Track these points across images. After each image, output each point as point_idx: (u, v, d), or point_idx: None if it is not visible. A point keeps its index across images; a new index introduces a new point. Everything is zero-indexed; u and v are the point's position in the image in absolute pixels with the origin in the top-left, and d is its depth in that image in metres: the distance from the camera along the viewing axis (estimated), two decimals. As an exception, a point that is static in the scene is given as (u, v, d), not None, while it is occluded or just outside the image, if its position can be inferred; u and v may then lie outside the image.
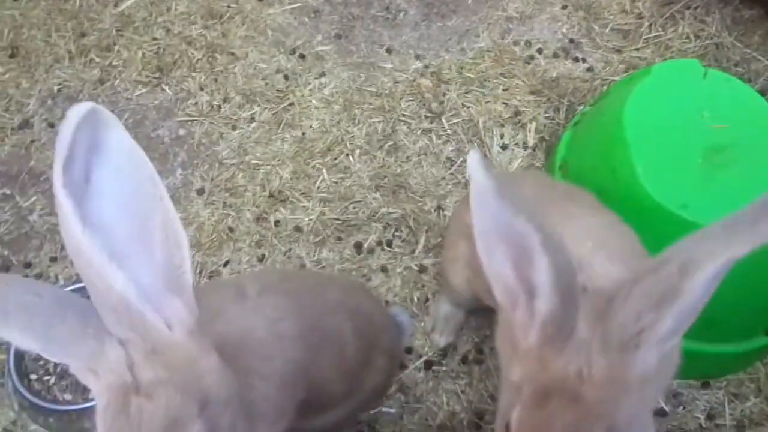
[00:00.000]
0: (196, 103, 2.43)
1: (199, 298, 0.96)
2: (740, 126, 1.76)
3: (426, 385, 1.96)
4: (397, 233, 2.19)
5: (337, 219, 2.20)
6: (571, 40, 2.59)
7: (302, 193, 2.24)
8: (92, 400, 0.95)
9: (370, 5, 2.68)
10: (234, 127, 2.38)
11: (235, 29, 2.58)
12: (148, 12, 2.60)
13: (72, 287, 1.88)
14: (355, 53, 2.56)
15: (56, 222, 2.17)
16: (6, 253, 2.12)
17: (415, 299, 2.08)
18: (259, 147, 2.34)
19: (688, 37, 2.56)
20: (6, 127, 2.36)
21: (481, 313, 1.96)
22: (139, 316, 0.89)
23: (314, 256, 2.14)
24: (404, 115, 2.40)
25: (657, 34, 2.58)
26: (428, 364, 1.98)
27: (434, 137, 2.36)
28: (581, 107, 2.38)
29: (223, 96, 2.44)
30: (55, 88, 2.43)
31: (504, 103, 2.43)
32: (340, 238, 2.18)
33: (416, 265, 2.13)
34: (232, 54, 2.52)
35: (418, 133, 2.37)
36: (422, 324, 2.03)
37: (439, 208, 2.23)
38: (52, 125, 2.36)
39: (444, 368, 1.98)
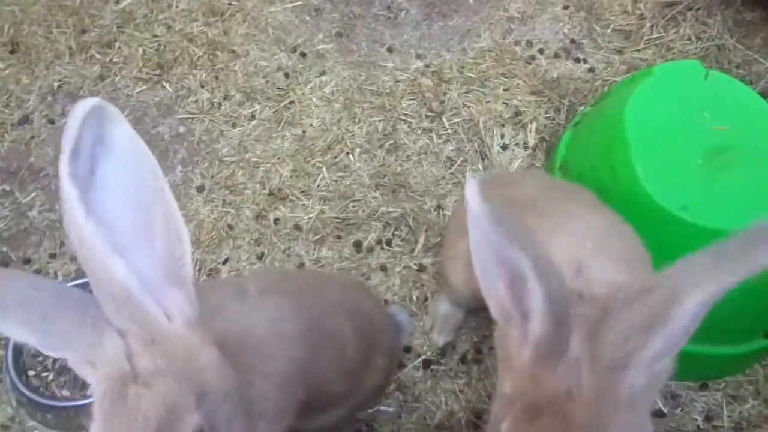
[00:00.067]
0: (197, 101, 2.42)
1: (198, 295, 0.97)
2: (741, 128, 1.76)
3: (424, 384, 1.96)
4: (396, 232, 2.19)
5: (337, 217, 2.20)
6: (573, 41, 2.59)
7: (302, 192, 2.24)
8: (90, 396, 0.95)
9: (371, 4, 2.67)
10: (234, 125, 2.38)
11: (236, 27, 2.57)
12: (149, 9, 2.60)
13: (71, 284, 1.88)
14: (356, 52, 2.56)
15: (55, 218, 2.18)
16: (5, 249, 2.12)
17: (414, 298, 2.07)
18: (259, 145, 2.33)
19: (689, 39, 2.56)
20: (6, 122, 2.35)
21: (480, 313, 1.96)
22: (140, 307, 0.90)
23: (313, 254, 2.14)
24: (405, 114, 2.40)
25: (658, 35, 2.57)
26: (427, 364, 1.98)
27: (434, 137, 2.36)
28: (582, 108, 2.38)
29: (224, 93, 2.44)
30: (56, 84, 2.43)
31: (505, 103, 2.42)
32: (339, 237, 2.18)
33: (415, 264, 2.13)
34: (233, 51, 2.52)
35: (419, 132, 2.37)
36: (421, 323, 2.03)
37: (438, 207, 2.22)
38: (52, 121, 2.36)
39: (443, 367, 1.98)
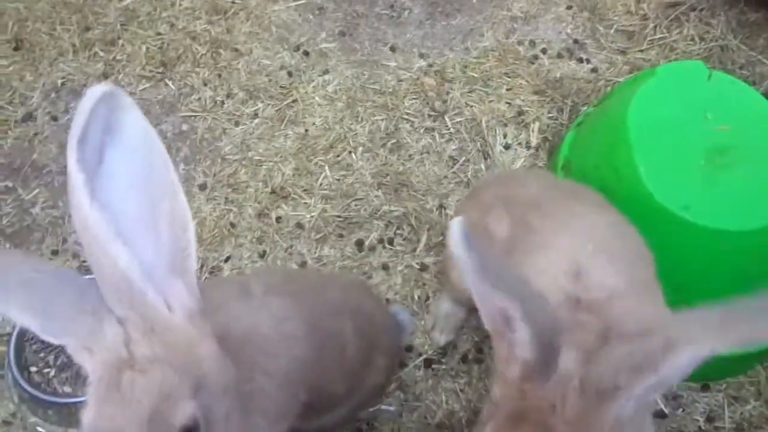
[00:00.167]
0: (200, 99, 2.43)
1: (202, 291, 0.97)
2: (744, 128, 1.76)
3: (425, 383, 1.96)
4: (398, 231, 2.19)
5: (339, 216, 2.20)
6: (576, 41, 2.59)
7: (304, 190, 2.24)
8: (92, 392, 0.95)
9: (374, 3, 2.67)
10: (237, 123, 2.38)
11: (239, 25, 2.58)
12: (152, 7, 2.60)
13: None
14: (358, 51, 2.56)
15: (58, 215, 2.18)
16: (8, 245, 2.12)
17: (416, 297, 2.08)
18: (261, 143, 2.34)
19: (693, 39, 2.55)
20: (9, 119, 2.36)
21: (481, 312, 1.96)
22: (140, 295, 0.89)
23: (315, 253, 2.14)
24: (407, 114, 2.40)
25: (662, 35, 2.57)
26: (428, 363, 1.98)
27: (437, 136, 2.36)
28: (585, 108, 2.38)
29: (227, 92, 2.44)
30: (59, 81, 2.43)
31: (507, 102, 2.42)
32: (341, 236, 2.18)
33: (417, 263, 2.13)
34: (236, 50, 2.52)
35: (421, 131, 2.37)
36: (422, 322, 2.03)
37: (440, 206, 2.22)
38: (55, 118, 2.36)
39: (444, 367, 1.98)
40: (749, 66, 2.52)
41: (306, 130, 2.36)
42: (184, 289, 0.94)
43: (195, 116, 2.40)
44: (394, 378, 1.91)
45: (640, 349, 0.95)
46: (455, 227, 0.90)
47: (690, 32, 2.57)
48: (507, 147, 2.34)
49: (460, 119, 2.39)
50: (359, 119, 2.38)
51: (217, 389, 0.96)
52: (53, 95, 2.41)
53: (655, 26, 2.59)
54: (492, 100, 2.42)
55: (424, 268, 2.12)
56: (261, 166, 2.29)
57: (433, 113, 2.40)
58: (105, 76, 2.45)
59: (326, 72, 2.49)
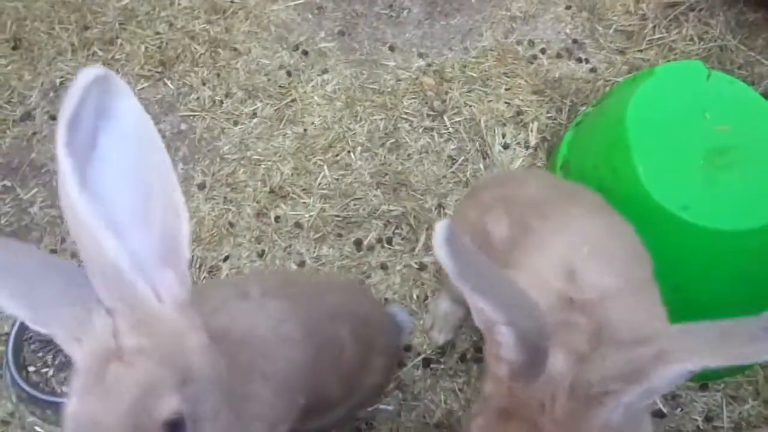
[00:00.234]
0: (198, 98, 2.42)
1: (199, 293, 0.95)
2: (743, 128, 1.76)
3: (424, 382, 1.96)
4: (397, 231, 2.19)
5: (338, 216, 2.20)
6: (575, 41, 2.59)
7: (303, 190, 2.24)
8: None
9: (373, 3, 2.67)
10: (236, 123, 2.38)
11: (238, 24, 2.58)
12: (151, 6, 2.60)
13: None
14: (357, 50, 2.56)
15: (56, 214, 2.18)
16: (6, 244, 2.12)
17: (415, 297, 2.08)
18: (260, 143, 2.34)
19: (691, 39, 2.55)
20: (8, 119, 2.36)
21: (480, 312, 1.96)
22: (130, 286, 0.87)
23: (314, 252, 2.14)
24: (406, 113, 2.40)
25: (661, 35, 2.57)
26: (427, 362, 1.98)
27: (436, 135, 2.36)
28: (583, 108, 2.38)
29: (226, 91, 2.44)
30: (58, 80, 2.43)
31: (506, 102, 2.42)
32: (340, 235, 2.18)
33: (416, 262, 2.13)
34: (235, 49, 2.52)
35: (420, 131, 2.37)
36: (421, 322, 2.03)
37: (439, 206, 2.22)
38: (53, 118, 2.36)
39: (442, 366, 1.98)
40: (748, 66, 2.52)
41: (305, 130, 2.36)
42: (175, 280, 0.92)
43: (194, 116, 2.40)
44: (393, 377, 1.91)
45: (632, 357, 0.95)
46: (439, 229, 0.90)
47: (689, 32, 2.57)
48: (506, 147, 2.34)
49: (459, 119, 2.39)
50: (358, 119, 2.38)
51: (206, 383, 0.94)
52: (52, 94, 2.41)
53: (654, 26, 2.59)
54: (491, 100, 2.43)
55: (422, 267, 2.12)
56: (260, 165, 2.29)
57: (431, 113, 2.40)
58: (104, 75, 2.45)
59: (325, 71, 2.49)
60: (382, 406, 1.91)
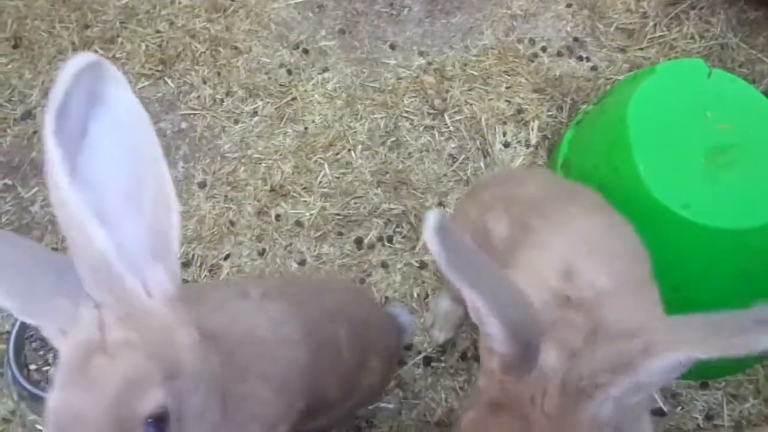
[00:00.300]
0: (199, 97, 2.42)
1: (198, 292, 0.95)
2: (744, 126, 1.75)
3: (425, 381, 1.96)
4: (397, 229, 2.19)
5: (338, 214, 2.20)
6: (576, 39, 2.58)
7: (303, 188, 2.24)
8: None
9: (374, 1, 2.67)
10: (236, 121, 2.38)
11: (238, 23, 2.57)
12: (151, 5, 2.60)
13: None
14: (358, 49, 2.56)
15: (57, 213, 2.18)
16: (7, 243, 2.12)
17: (415, 295, 2.08)
18: (261, 141, 2.34)
19: (692, 38, 2.55)
20: (8, 117, 2.36)
21: (480, 311, 1.96)
22: (118, 278, 0.86)
23: (315, 250, 2.14)
24: (407, 112, 2.40)
25: (662, 33, 2.57)
26: (427, 361, 1.99)
27: (437, 134, 2.36)
28: (584, 106, 2.37)
29: (226, 90, 2.44)
30: (58, 79, 2.43)
31: (507, 100, 2.42)
32: (340, 234, 2.18)
33: (417, 261, 2.13)
34: (236, 48, 2.52)
35: (421, 129, 2.37)
36: (422, 320, 2.03)
37: (440, 204, 2.22)
38: (54, 116, 2.36)
39: (443, 365, 1.98)
40: (749, 64, 2.51)
41: (305, 128, 2.36)
42: (165, 274, 0.90)
43: (194, 114, 2.40)
44: (394, 376, 1.91)
45: (621, 349, 0.95)
46: (431, 218, 0.90)
47: (690, 30, 2.56)
48: (506, 145, 2.34)
49: (460, 117, 2.39)
50: (359, 117, 2.38)
51: (194, 380, 0.92)
52: (52, 93, 2.41)
53: (655, 24, 2.59)
54: (491, 98, 2.42)
55: (423, 266, 2.12)
56: (260, 164, 2.29)
57: (432, 111, 2.40)
58: (104, 73, 2.45)
59: (326, 70, 2.49)
60: (382, 405, 1.91)
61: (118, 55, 2.48)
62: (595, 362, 0.97)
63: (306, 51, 2.53)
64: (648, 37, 2.56)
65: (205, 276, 2.10)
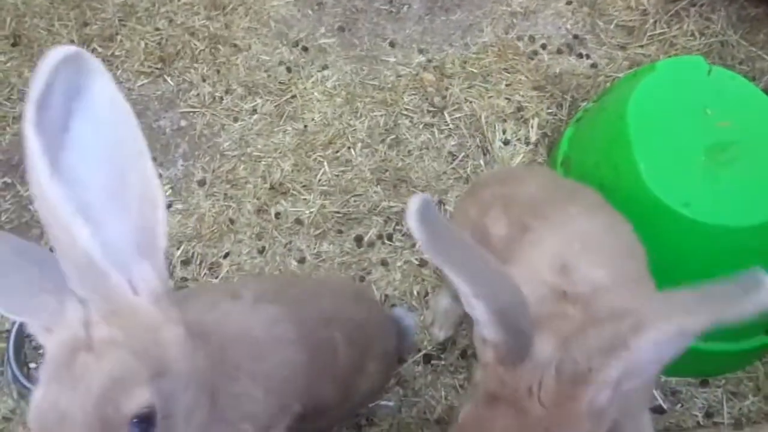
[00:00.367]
0: (198, 95, 2.42)
1: (191, 293, 0.93)
2: (744, 124, 1.75)
3: (425, 378, 1.96)
4: (397, 227, 2.19)
5: (338, 212, 2.20)
6: (576, 36, 2.58)
7: (303, 186, 2.24)
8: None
9: (373, -2, 2.67)
10: (236, 119, 2.37)
11: (238, 20, 2.57)
12: (150, 2, 2.60)
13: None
14: (358, 46, 2.55)
15: (57, 211, 2.18)
16: (6, 241, 2.12)
17: (415, 293, 2.08)
18: (260, 139, 2.33)
19: (693, 35, 2.55)
20: (8, 116, 2.35)
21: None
22: (103, 276, 0.84)
23: (314, 248, 2.14)
24: (406, 109, 2.39)
25: (662, 31, 2.56)
26: (427, 358, 1.99)
27: (436, 131, 2.36)
28: (584, 103, 2.37)
29: (226, 87, 2.43)
30: (57, 77, 2.42)
31: (507, 98, 2.42)
32: (340, 231, 2.18)
33: (416, 259, 2.13)
34: (235, 45, 2.51)
35: (420, 127, 2.37)
36: (422, 318, 2.03)
37: (440, 202, 2.22)
38: (53, 114, 2.36)
39: (443, 362, 1.98)
40: (749, 61, 2.51)
41: (305, 126, 2.36)
42: (152, 271, 0.88)
43: (194, 112, 2.40)
44: (394, 374, 1.91)
45: (611, 331, 0.95)
46: (414, 201, 0.90)
47: (690, 27, 2.56)
48: (506, 143, 2.34)
49: (460, 115, 2.39)
50: (358, 115, 2.38)
51: (182, 379, 0.90)
52: (51, 91, 2.40)
53: (655, 21, 2.58)
54: (491, 96, 2.42)
55: (423, 263, 2.12)
56: (260, 162, 2.29)
57: (432, 109, 2.40)
58: (103, 71, 2.44)
59: (325, 67, 2.48)
60: (382, 402, 1.91)
61: (117, 53, 2.48)
62: (588, 345, 0.97)
63: (305, 48, 2.52)
64: (648, 34, 2.56)
65: (205, 274, 2.10)
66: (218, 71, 2.46)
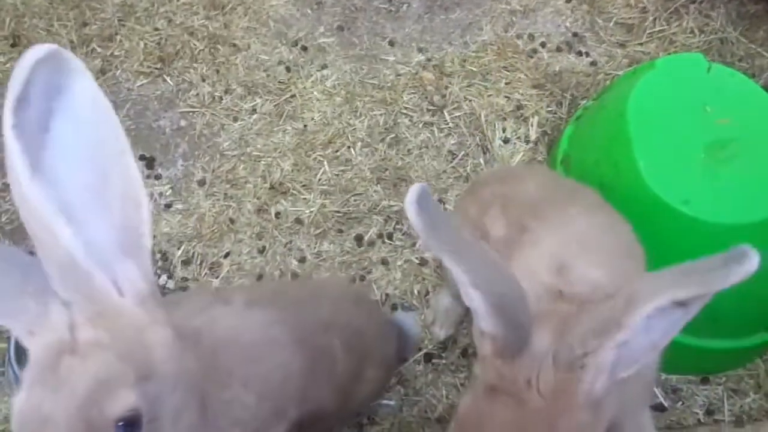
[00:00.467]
0: (198, 94, 2.42)
1: (179, 298, 0.91)
2: (744, 121, 1.75)
3: (426, 377, 1.96)
4: (398, 226, 2.19)
5: (338, 211, 2.20)
6: (575, 34, 2.58)
7: (303, 185, 2.24)
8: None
9: (373, -3, 2.67)
10: (235, 119, 2.37)
11: (237, 20, 2.57)
12: (150, 2, 2.60)
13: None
14: (357, 45, 2.55)
15: (57, 212, 2.18)
16: (8, 242, 2.12)
17: (416, 292, 2.08)
18: (260, 139, 2.33)
19: (692, 32, 2.54)
20: (7, 116, 2.35)
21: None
22: (86, 277, 0.83)
23: (315, 248, 2.14)
24: (406, 108, 2.39)
25: (661, 28, 2.56)
26: (428, 357, 1.99)
27: (436, 130, 2.36)
28: (584, 101, 2.37)
29: (225, 87, 2.43)
30: (57, 77, 2.42)
31: (506, 96, 2.42)
32: (340, 231, 2.18)
33: (417, 258, 2.13)
34: (234, 45, 2.51)
35: (420, 126, 2.37)
36: (422, 317, 2.03)
37: (440, 201, 2.22)
38: (53, 115, 2.36)
39: (444, 361, 1.99)
40: (749, 58, 2.51)
41: (304, 126, 2.36)
42: (137, 271, 0.87)
43: (193, 112, 2.39)
44: (395, 373, 1.91)
45: (603, 311, 0.96)
46: (412, 190, 0.91)
47: (689, 25, 2.56)
48: (506, 141, 2.34)
49: (459, 113, 2.39)
50: (358, 114, 2.38)
51: (168, 381, 0.88)
52: (51, 92, 2.40)
53: (655, 19, 2.58)
54: (491, 94, 2.42)
55: (423, 262, 2.12)
56: (260, 161, 2.29)
57: (431, 108, 2.40)
58: (103, 72, 2.45)
59: (324, 67, 2.48)
60: (384, 401, 1.91)
61: (116, 53, 2.48)
62: (582, 330, 0.97)
63: (305, 48, 2.52)
64: (647, 31, 2.55)
65: (206, 274, 2.10)
66: (218, 71, 2.46)
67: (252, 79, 2.44)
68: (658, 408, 1.91)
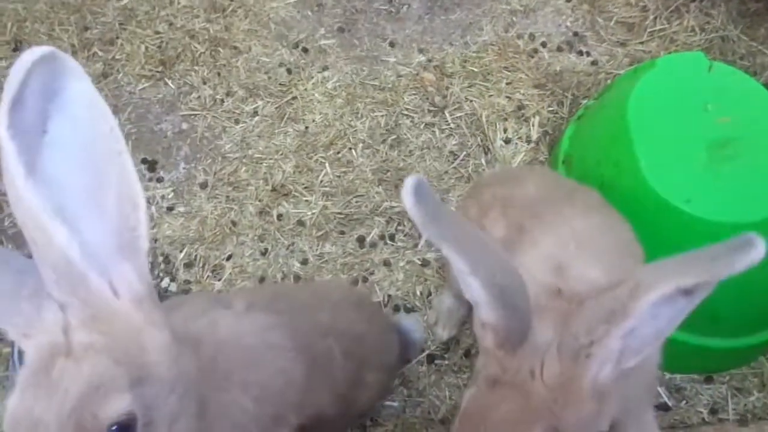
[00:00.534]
0: (199, 97, 2.42)
1: (178, 302, 0.91)
2: (745, 120, 1.75)
3: (428, 378, 1.96)
4: (399, 227, 2.19)
5: (340, 213, 2.20)
6: (576, 34, 2.58)
7: (305, 187, 2.24)
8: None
9: (373, -2, 2.67)
10: (237, 121, 2.38)
11: (238, 23, 2.57)
12: (150, 6, 2.60)
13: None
14: (358, 47, 2.55)
15: (60, 216, 2.19)
16: (10, 246, 2.13)
17: (418, 293, 2.08)
18: (261, 141, 2.34)
19: (693, 30, 2.54)
20: (10, 121, 2.36)
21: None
22: (81, 278, 0.82)
23: (317, 250, 2.14)
24: (407, 109, 2.40)
25: (662, 27, 2.56)
26: (431, 358, 1.99)
27: (437, 131, 2.36)
28: (585, 101, 2.37)
29: (226, 90, 2.44)
30: (59, 82, 2.43)
31: (507, 96, 2.42)
32: (342, 232, 2.18)
33: (419, 259, 2.13)
34: (235, 48, 2.52)
35: (421, 127, 2.37)
36: (425, 318, 2.03)
37: (442, 201, 2.22)
38: (55, 119, 2.36)
39: (446, 362, 1.98)
40: (750, 56, 2.50)
41: (306, 127, 2.36)
42: (133, 273, 0.86)
43: (195, 115, 2.40)
44: (398, 374, 1.91)
45: (608, 299, 0.95)
46: (409, 181, 0.91)
47: (690, 23, 2.55)
48: (507, 141, 2.33)
49: (460, 114, 2.39)
50: (359, 115, 2.38)
51: (164, 384, 0.87)
52: (53, 96, 2.41)
53: (655, 18, 2.58)
54: (492, 95, 2.42)
55: (425, 263, 2.12)
56: (261, 163, 2.29)
57: (432, 108, 2.40)
58: (104, 76, 2.45)
59: (325, 68, 2.49)
60: (387, 402, 1.91)
61: (117, 57, 2.49)
62: (588, 318, 0.97)
63: (305, 50, 2.53)
64: (648, 30, 2.55)
65: (208, 276, 2.10)
66: (219, 74, 2.47)
67: (253, 82, 2.44)
68: (662, 407, 1.91)
